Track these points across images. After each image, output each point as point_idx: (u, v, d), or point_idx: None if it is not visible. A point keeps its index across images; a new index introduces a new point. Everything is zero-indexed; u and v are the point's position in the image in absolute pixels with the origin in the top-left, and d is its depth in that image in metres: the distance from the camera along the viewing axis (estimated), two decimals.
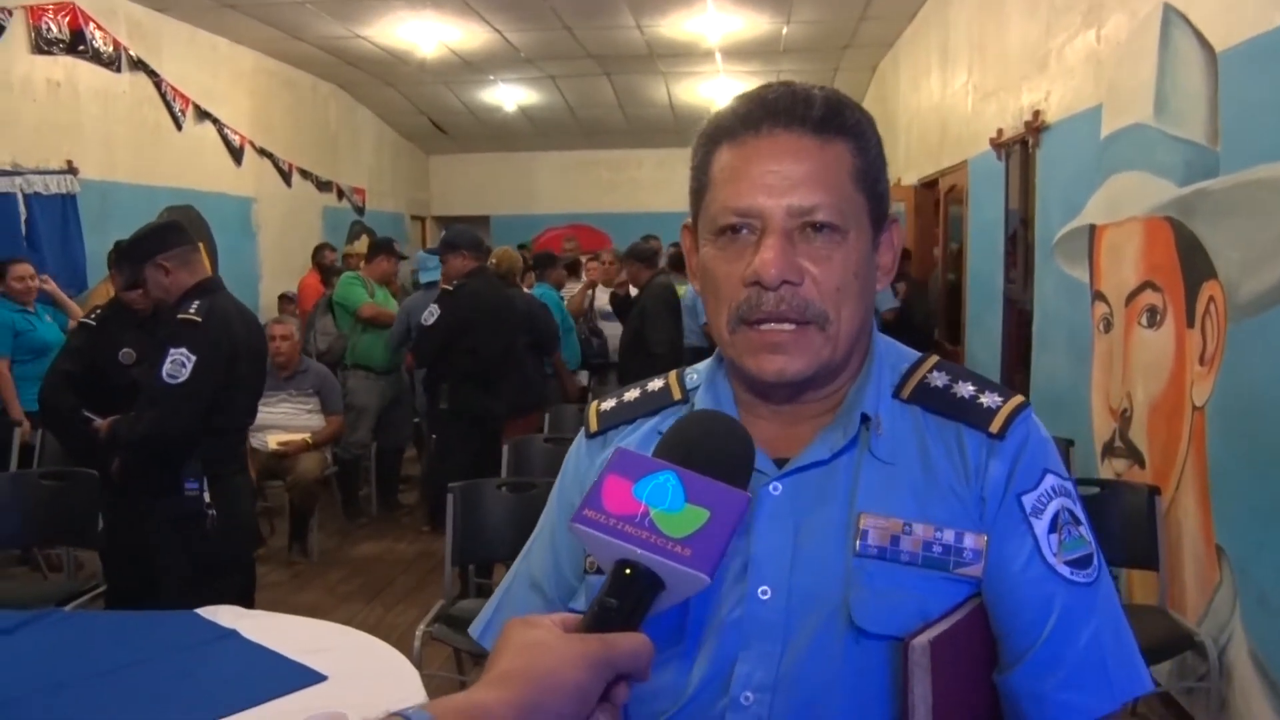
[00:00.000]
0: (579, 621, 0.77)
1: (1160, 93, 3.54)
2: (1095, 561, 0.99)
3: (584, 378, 7.16)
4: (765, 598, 0.97)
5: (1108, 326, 4.01)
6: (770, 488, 1.00)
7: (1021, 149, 5.18)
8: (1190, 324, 3.33)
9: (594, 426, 1.15)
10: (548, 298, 6.64)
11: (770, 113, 0.98)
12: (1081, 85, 4.32)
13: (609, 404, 1.16)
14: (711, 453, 0.84)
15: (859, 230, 0.99)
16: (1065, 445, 3.85)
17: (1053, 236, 4.61)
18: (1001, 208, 5.59)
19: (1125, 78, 3.84)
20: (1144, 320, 3.68)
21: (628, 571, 0.77)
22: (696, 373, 1.12)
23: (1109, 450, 3.99)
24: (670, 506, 0.78)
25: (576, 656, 0.72)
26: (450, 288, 5.10)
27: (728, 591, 0.98)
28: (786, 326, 0.97)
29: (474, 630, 1.17)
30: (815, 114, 0.98)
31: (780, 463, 1.02)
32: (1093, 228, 4.15)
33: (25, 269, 5.45)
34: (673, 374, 1.15)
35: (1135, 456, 3.75)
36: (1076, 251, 4.32)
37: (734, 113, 1.01)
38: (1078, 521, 1.00)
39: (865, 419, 1.01)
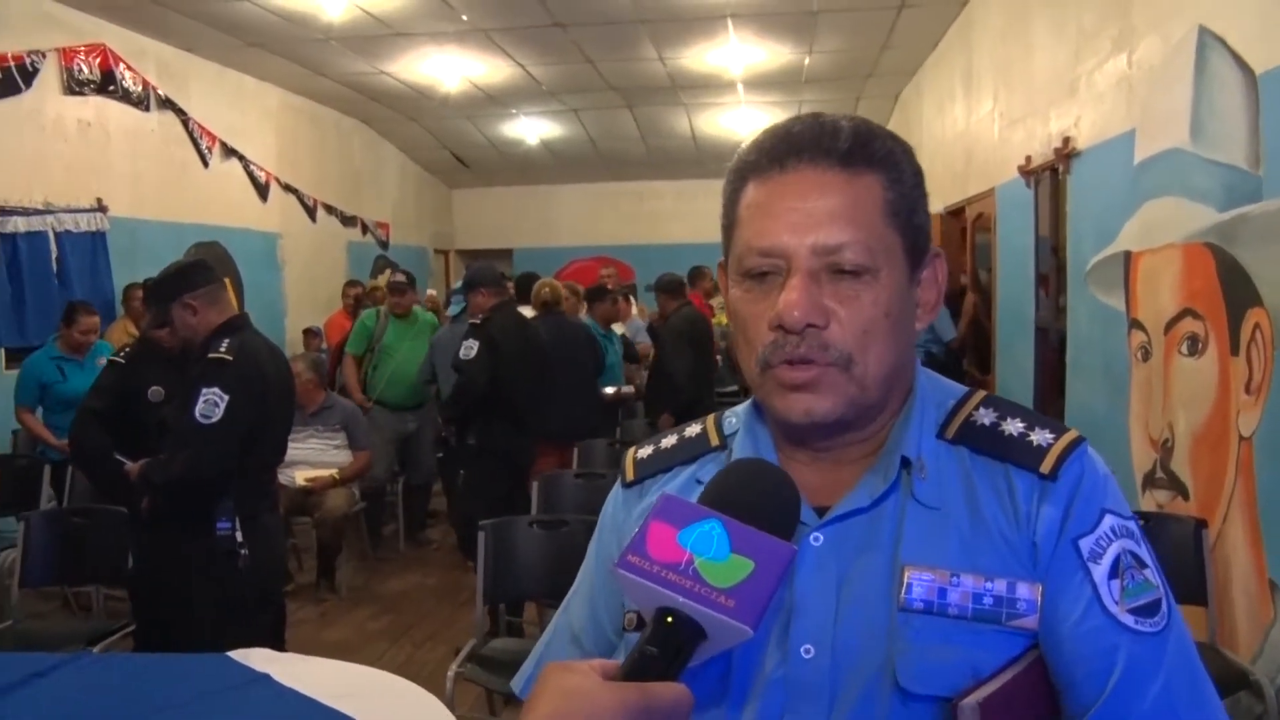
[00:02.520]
0: (618, 669, 0.75)
1: (1197, 117, 3.49)
2: (1164, 607, 0.91)
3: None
4: (809, 656, 0.92)
5: (1146, 355, 3.94)
6: (811, 538, 0.95)
7: (1051, 176, 5.14)
8: (1234, 352, 3.26)
9: (630, 475, 1.11)
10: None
11: (795, 147, 0.94)
12: (1113, 111, 4.28)
13: (645, 451, 1.12)
14: (757, 502, 0.82)
15: (891, 267, 0.94)
16: None
17: (1085, 264, 4.55)
18: (1031, 235, 5.54)
19: (1159, 102, 3.79)
20: (1184, 349, 3.61)
21: (669, 620, 0.76)
22: (735, 416, 1.08)
23: (1150, 481, 3.91)
24: (715, 556, 0.77)
25: (615, 704, 0.70)
26: (479, 321, 5.10)
27: (772, 649, 0.93)
28: (808, 367, 0.93)
29: (515, 685, 1.13)
30: (842, 146, 0.94)
31: (821, 511, 0.97)
32: (1128, 255, 4.09)
33: (91, 322, 5.48)
34: (710, 419, 1.11)
35: (1178, 488, 3.68)
36: (1111, 279, 4.26)
37: (759, 147, 0.97)
38: (1142, 565, 0.92)
39: (906, 462, 0.96)
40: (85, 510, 3.97)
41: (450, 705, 3.01)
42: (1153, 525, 3.23)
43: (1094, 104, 4.51)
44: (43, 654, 2.58)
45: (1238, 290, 3.23)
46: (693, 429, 1.11)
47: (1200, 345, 3.50)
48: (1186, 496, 3.62)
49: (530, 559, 3.44)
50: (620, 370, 6.99)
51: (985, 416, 0.99)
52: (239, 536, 3.30)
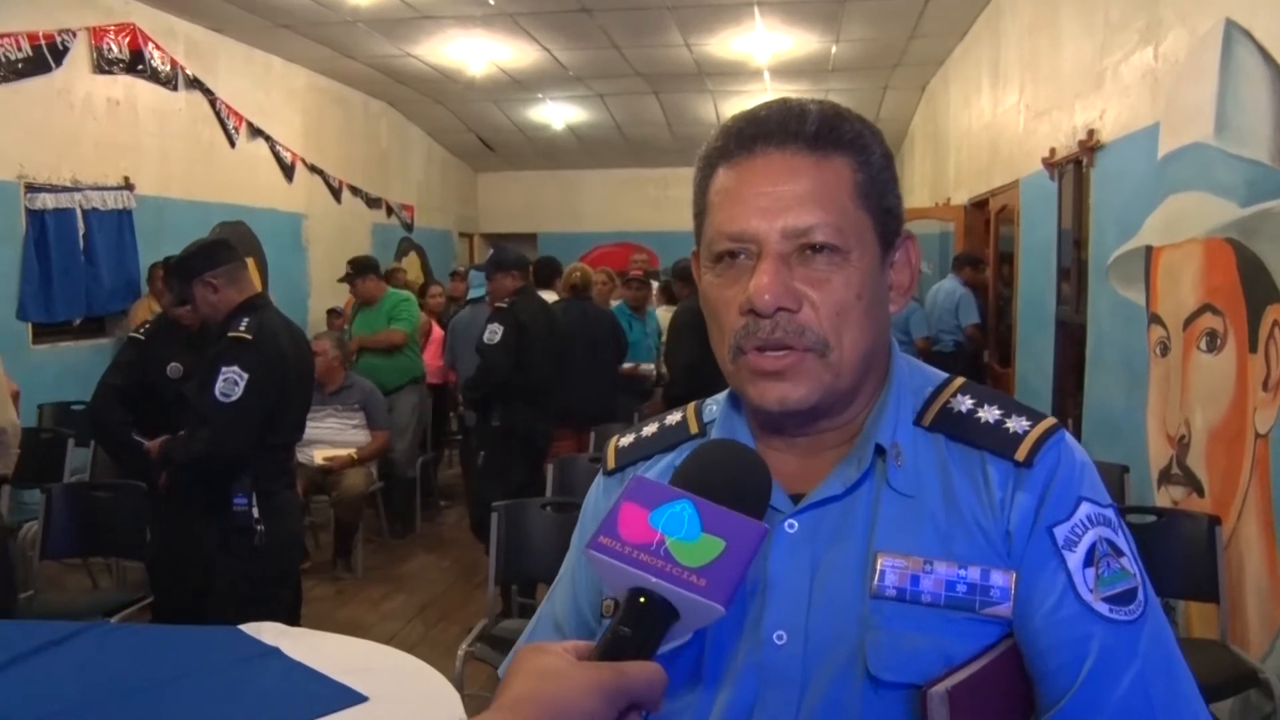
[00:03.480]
0: (591, 649, 0.75)
1: (1221, 111, 3.46)
2: (1140, 596, 0.90)
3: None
4: (781, 643, 0.92)
5: (1164, 350, 3.92)
6: (786, 525, 0.95)
7: (1075, 168, 5.10)
8: (1253, 349, 3.23)
9: (612, 464, 1.12)
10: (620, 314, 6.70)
11: (763, 131, 0.94)
12: (1138, 104, 4.24)
13: (627, 440, 1.13)
14: (728, 482, 0.83)
15: (863, 250, 0.94)
16: (1120, 471, 3.77)
17: (1107, 258, 4.52)
18: (1054, 228, 5.50)
19: (1184, 96, 3.76)
20: (1203, 344, 3.59)
21: (642, 600, 0.77)
22: (715, 404, 1.09)
23: (1165, 477, 3.89)
24: (686, 535, 0.77)
25: (588, 683, 0.71)
26: (504, 305, 5.09)
27: (745, 636, 0.94)
28: (784, 353, 0.92)
29: (502, 670, 1.14)
30: (810, 129, 0.93)
31: (797, 499, 0.97)
32: (1149, 249, 4.06)
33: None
34: (690, 407, 1.11)
35: (1194, 484, 3.66)
36: (1132, 273, 4.22)
37: (727, 133, 0.97)
38: (1119, 553, 0.91)
39: (880, 450, 0.96)
40: (107, 484, 4.03)
41: (460, 684, 3.06)
42: (1166, 522, 3.23)
43: (1119, 97, 4.47)
44: (60, 622, 2.62)
45: (1258, 286, 3.20)
46: (673, 417, 1.12)
47: (1219, 341, 3.47)
48: (1202, 493, 3.60)
49: (543, 541, 3.46)
50: (646, 350, 7.00)
51: (962, 403, 0.98)
52: (255, 513, 3.34)
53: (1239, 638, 3.23)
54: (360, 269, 6.78)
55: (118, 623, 3.38)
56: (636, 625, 0.76)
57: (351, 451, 5.72)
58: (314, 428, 5.39)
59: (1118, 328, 4.46)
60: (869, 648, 0.89)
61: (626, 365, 6.60)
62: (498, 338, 4.96)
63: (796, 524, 0.95)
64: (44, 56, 6.04)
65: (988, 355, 7.57)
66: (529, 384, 5.01)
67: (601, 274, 7.13)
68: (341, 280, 7.02)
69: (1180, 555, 3.13)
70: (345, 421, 5.83)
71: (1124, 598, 0.90)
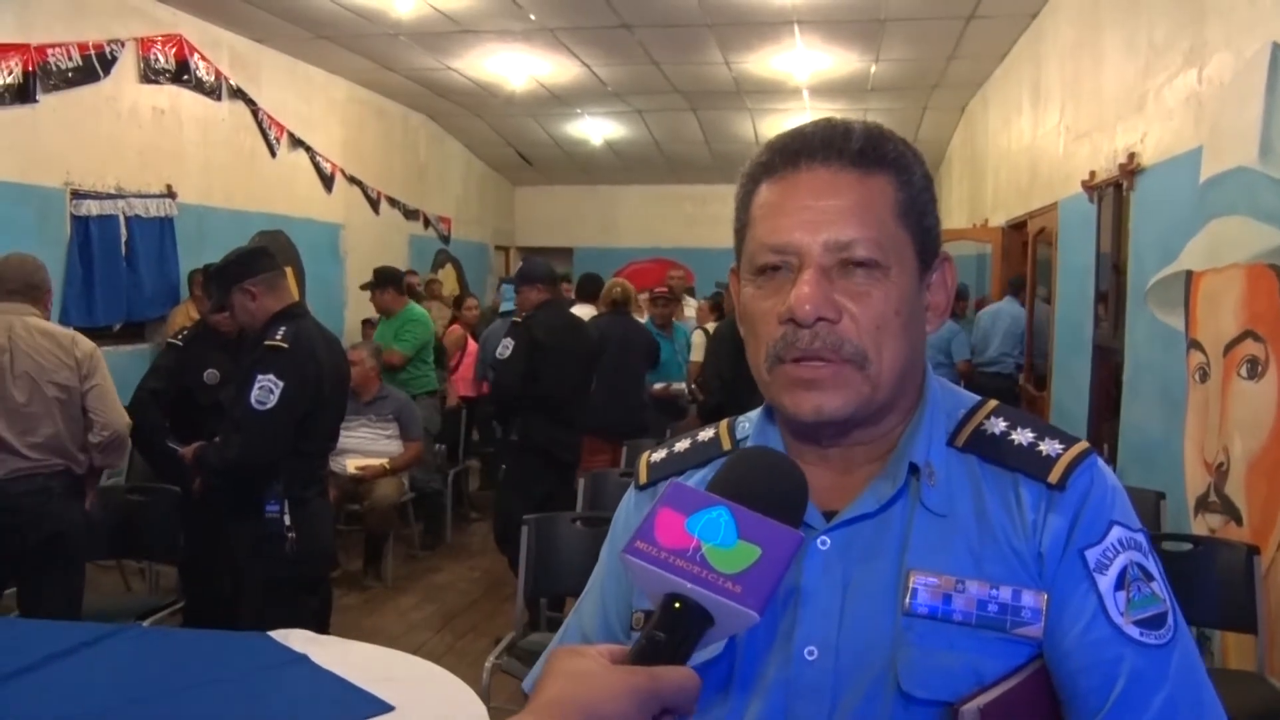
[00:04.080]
0: (625, 653, 0.76)
1: (1266, 135, 3.41)
2: (1170, 621, 0.91)
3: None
4: (812, 658, 0.92)
5: (1204, 376, 3.86)
6: (819, 542, 0.96)
7: (1115, 192, 5.05)
8: None
9: (644, 479, 1.12)
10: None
11: (808, 148, 0.96)
12: (1181, 127, 4.20)
13: (659, 455, 1.13)
14: (764, 490, 0.83)
15: (902, 267, 0.95)
16: (1156, 498, 3.72)
17: (1146, 282, 4.47)
18: (1092, 251, 5.45)
19: (1228, 119, 3.72)
20: (1244, 371, 3.53)
21: (677, 605, 0.77)
22: (749, 421, 1.09)
23: (1203, 505, 3.83)
24: (722, 542, 0.78)
25: (622, 687, 0.71)
26: (519, 320, 5.09)
27: (775, 651, 0.94)
28: (822, 364, 0.93)
29: (527, 685, 1.14)
30: (854, 147, 0.95)
31: (830, 515, 0.97)
32: (1189, 274, 4.01)
33: None
34: (724, 423, 1.12)
35: (1232, 513, 3.60)
36: (1171, 298, 4.18)
37: (772, 149, 0.99)
38: (1149, 577, 0.92)
39: (914, 469, 0.96)
40: (142, 488, 4.08)
41: (486, 696, 3.05)
42: (1202, 550, 3.18)
43: (1162, 120, 4.43)
44: (93, 624, 2.65)
45: None
46: (706, 433, 1.12)
47: (1260, 368, 3.42)
48: (1240, 522, 3.54)
49: (573, 555, 3.45)
50: (677, 367, 7.00)
51: (996, 426, 0.99)
52: (287, 520, 3.36)
53: (1277, 670, 3.17)
54: (381, 280, 6.81)
55: (149, 626, 3.42)
56: (671, 630, 0.77)
57: (384, 461, 5.75)
58: (347, 437, 5.43)
59: (1156, 353, 4.41)
60: (901, 665, 0.89)
61: (658, 386, 6.59)
62: (508, 353, 4.95)
63: (829, 540, 0.96)
64: (93, 66, 6.15)
65: (1023, 379, 7.50)
66: (545, 397, 4.99)
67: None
68: (363, 288, 7.05)
69: (1217, 585, 3.08)
70: (379, 431, 5.87)
71: (1154, 622, 0.90)
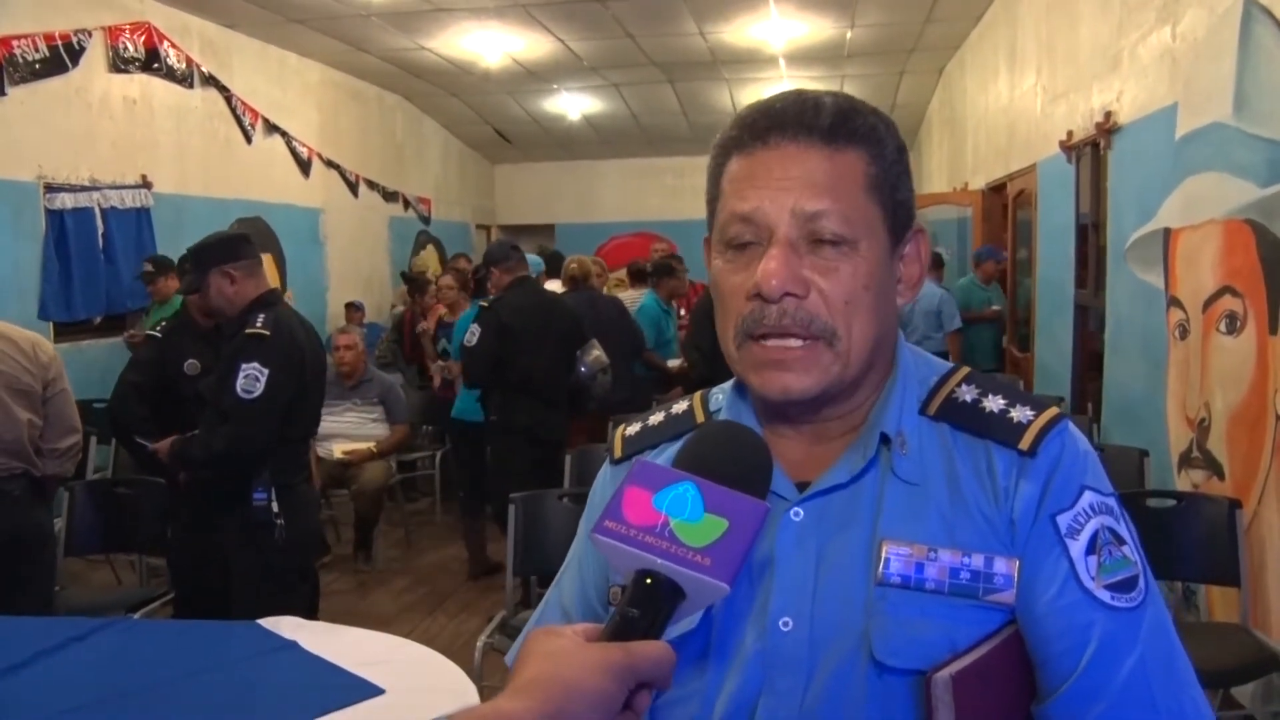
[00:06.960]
0: (600, 631, 0.77)
1: (1240, 90, 3.42)
2: (1141, 584, 0.91)
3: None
4: (787, 629, 0.93)
5: (1184, 333, 3.88)
6: (791, 513, 0.96)
7: (1093, 151, 5.06)
8: (1273, 331, 3.20)
9: (619, 452, 1.12)
10: (648, 310, 6.63)
11: (778, 122, 0.95)
12: (1155, 84, 4.20)
13: (633, 429, 1.13)
14: (729, 462, 0.84)
15: (872, 240, 0.94)
16: (1140, 455, 3.75)
17: (1125, 241, 4.48)
18: (1072, 212, 5.46)
19: (1202, 76, 3.72)
20: (1223, 327, 3.55)
21: (648, 581, 0.78)
22: (721, 393, 1.09)
23: (1186, 461, 3.86)
24: (690, 516, 0.79)
25: (599, 663, 0.73)
26: (486, 304, 5.05)
27: (751, 623, 0.94)
28: (792, 342, 0.93)
29: (508, 659, 1.14)
30: (824, 122, 0.94)
31: (802, 486, 0.98)
32: (1167, 231, 4.02)
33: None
34: (697, 396, 1.12)
35: (1214, 468, 3.63)
36: (1150, 256, 4.19)
37: (742, 123, 0.98)
38: (1120, 541, 0.92)
39: (886, 438, 0.97)
40: (128, 481, 4.07)
41: (479, 675, 3.07)
42: (1186, 505, 3.20)
43: (1137, 78, 4.43)
44: (82, 618, 2.65)
45: (1278, 268, 3.17)
46: (679, 406, 1.12)
47: (1239, 323, 3.44)
48: (1222, 476, 3.57)
49: (561, 532, 3.45)
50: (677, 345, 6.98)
51: (967, 393, 0.99)
52: (275, 508, 3.36)
53: (1260, 621, 3.21)
54: (162, 267, 6.12)
55: (140, 618, 3.41)
56: (644, 606, 0.78)
57: (371, 445, 5.75)
58: (333, 422, 5.43)
59: (1137, 311, 4.43)
60: (874, 634, 0.90)
61: (672, 364, 6.55)
62: (474, 340, 4.92)
63: (802, 511, 0.96)
64: (60, 57, 6.08)
65: (1006, 340, 7.51)
66: (523, 380, 4.95)
67: (596, 265, 7.08)
68: (136, 278, 6.37)
69: (1201, 539, 3.11)
70: (365, 415, 5.86)
71: (1125, 585, 0.90)
